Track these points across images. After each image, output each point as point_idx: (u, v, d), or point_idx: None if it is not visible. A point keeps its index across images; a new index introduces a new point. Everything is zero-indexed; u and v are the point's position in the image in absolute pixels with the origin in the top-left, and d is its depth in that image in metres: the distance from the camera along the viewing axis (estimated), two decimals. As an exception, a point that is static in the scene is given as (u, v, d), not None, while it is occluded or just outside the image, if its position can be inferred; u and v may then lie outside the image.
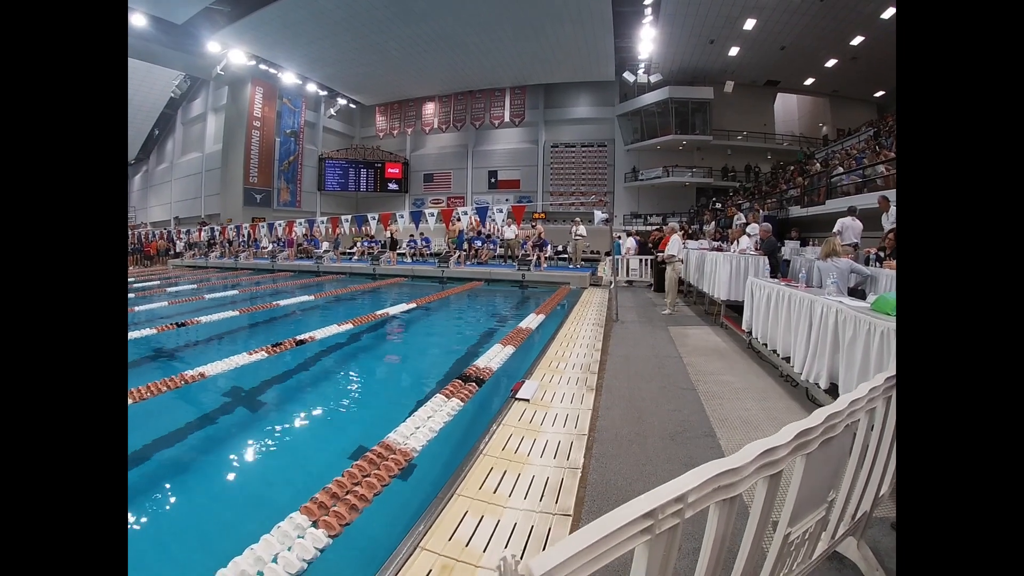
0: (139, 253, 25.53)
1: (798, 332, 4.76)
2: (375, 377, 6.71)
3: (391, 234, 19.10)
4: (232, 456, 4.09)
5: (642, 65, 26.25)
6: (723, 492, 1.17)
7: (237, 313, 9.51)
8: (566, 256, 19.85)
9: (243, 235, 21.45)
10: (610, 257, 12.84)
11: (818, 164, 19.56)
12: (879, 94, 26.70)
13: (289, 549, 2.45)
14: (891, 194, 9.56)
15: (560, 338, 6.99)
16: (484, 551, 2.35)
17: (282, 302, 11.12)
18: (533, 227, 18.32)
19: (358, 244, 21.62)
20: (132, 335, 7.12)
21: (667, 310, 9.70)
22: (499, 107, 31.78)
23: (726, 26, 21.51)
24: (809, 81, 26.82)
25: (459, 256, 17.52)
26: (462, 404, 4.44)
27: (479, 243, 18.32)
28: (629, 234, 18.20)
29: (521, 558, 0.84)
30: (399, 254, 19.79)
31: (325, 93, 32.35)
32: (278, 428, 4.67)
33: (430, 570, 2.22)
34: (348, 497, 2.89)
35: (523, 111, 31.60)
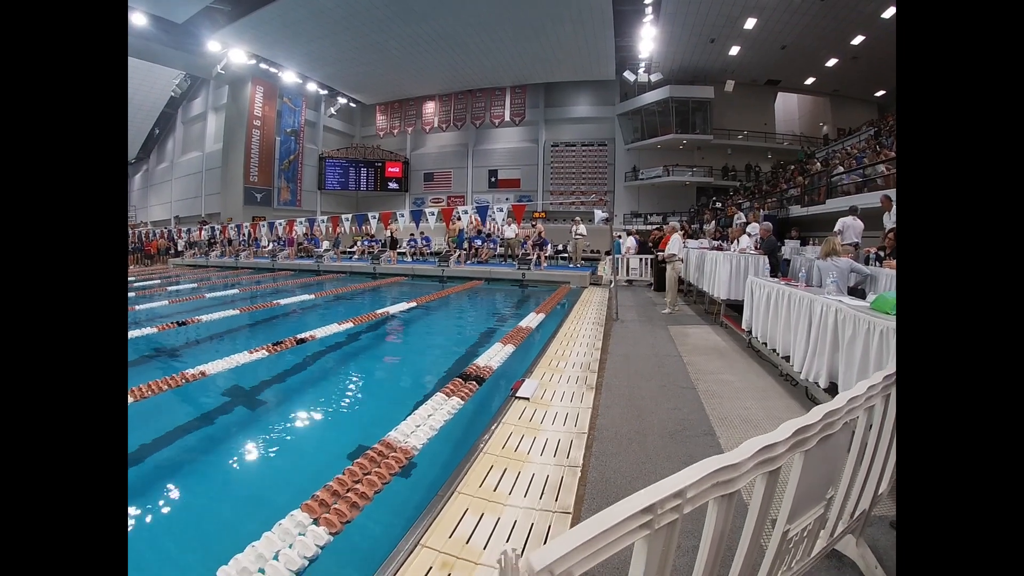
0: (139, 252, 25.54)
1: (798, 331, 4.77)
2: (375, 375, 6.72)
3: (391, 233, 19.10)
4: (233, 454, 4.10)
5: (642, 64, 26.22)
6: (722, 488, 1.18)
7: (237, 312, 9.51)
8: (566, 255, 19.86)
9: (243, 234, 21.45)
10: (610, 256, 12.84)
11: (818, 163, 19.56)
12: (880, 94, 26.69)
13: (290, 546, 2.46)
14: (893, 193, 9.55)
15: (560, 337, 7.00)
16: (484, 548, 2.36)
17: (282, 301, 11.12)
18: (533, 226, 18.32)
19: (358, 243, 21.62)
20: (133, 334, 7.13)
21: (667, 309, 9.70)
22: (499, 106, 31.76)
23: (727, 25, 21.50)
24: (810, 80, 26.81)
25: (459, 255, 17.53)
26: (462, 402, 4.45)
27: (479, 242, 18.33)
28: (629, 233, 18.19)
29: (522, 553, 0.85)
30: (399, 253, 19.79)
31: (325, 92, 32.34)
32: (279, 426, 4.69)
33: (430, 567, 2.22)
34: (349, 495, 2.90)
35: (523, 110, 31.59)
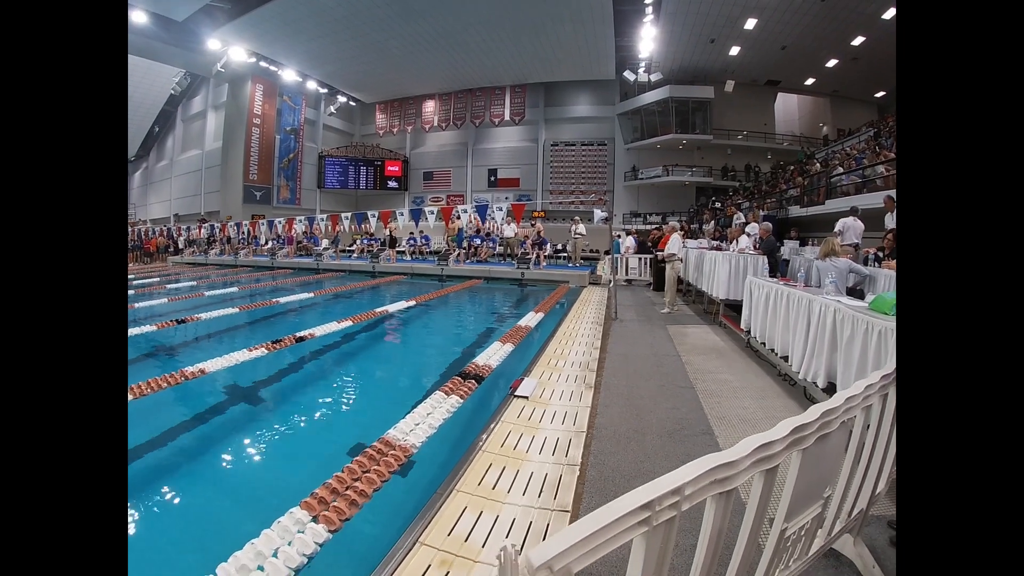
0: (139, 250, 25.53)
1: (796, 331, 4.78)
2: (374, 374, 6.72)
3: (390, 232, 19.09)
4: (232, 451, 4.11)
5: (642, 64, 26.20)
6: (720, 485, 1.18)
7: (237, 310, 9.52)
8: (565, 255, 19.87)
9: (243, 232, 21.42)
10: (609, 256, 12.84)
11: (818, 164, 19.57)
12: (879, 94, 26.70)
13: (289, 544, 2.46)
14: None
15: (559, 336, 7.00)
16: (483, 546, 2.36)
17: (282, 299, 11.13)
18: (532, 225, 18.32)
19: (357, 242, 21.61)
20: (132, 332, 7.13)
21: (666, 309, 9.71)
22: (499, 105, 31.74)
23: (727, 25, 21.50)
24: (810, 81, 26.82)
25: (458, 254, 17.53)
26: (461, 401, 4.46)
27: (478, 241, 18.33)
28: (628, 233, 18.20)
29: (521, 550, 0.86)
30: (399, 252, 19.79)
31: (325, 91, 32.30)
32: (278, 424, 4.69)
33: (429, 565, 2.23)
34: (348, 492, 2.90)
35: (523, 109, 31.57)
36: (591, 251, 21.63)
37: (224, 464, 3.91)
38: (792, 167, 23.15)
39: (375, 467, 3.20)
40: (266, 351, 6.12)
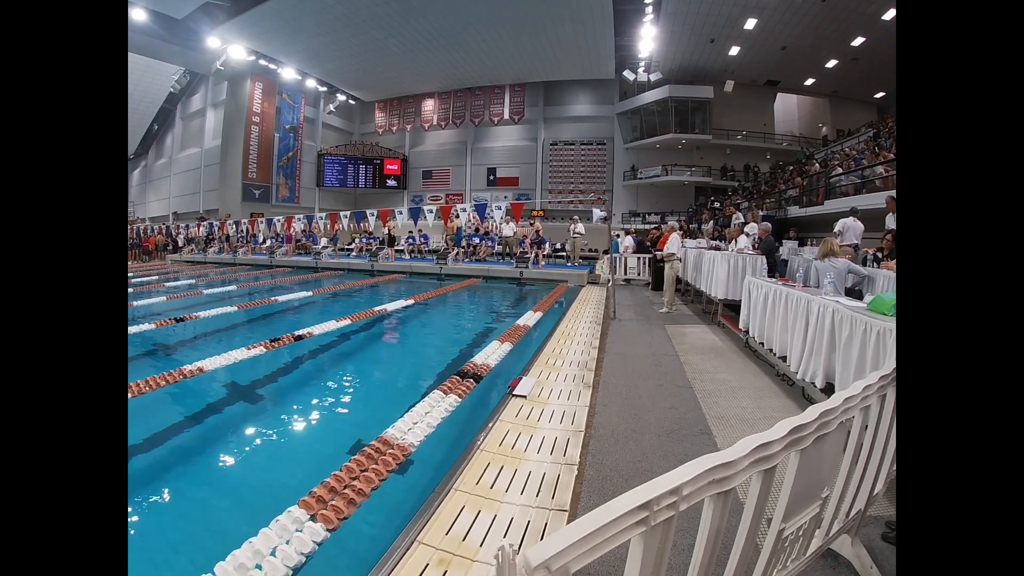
0: (138, 248, 25.50)
1: (795, 331, 4.79)
2: (372, 373, 6.72)
3: (389, 231, 19.09)
4: (230, 450, 4.10)
5: (642, 63, 26.20)
6: (717, 485, 1.18)
7: (235, 309, 9.52)
8: (564, 254, 19.88)
9: (241, 231, 21.40)
10: (608, 255, 12.84)
11: (817, 164, 19.59)
12: (879, 95, 26.73)
13: (287, 543, 2.47)
14: (896, 194, 9.55)
15: (558, 335, 7.00)
16: (481, 545, 2.36)
17: (280, 298, 11.12)
18: (531, 224, 18.32)
19: (356, 240, 21.61)
20: (131, 330, 7.12)
21: (664, 308, 9.72)
22: (499, 104, 31.73)
23: (727, 25, 21.50)
24: (809, 81, 26.83)
25: (457, 253, 17.53)
26: (459, 400, 4.46)
27: (477, 240, 18.32)
28: (627, 232, 18.21)
29: (518, 550, 0.86)
30: (397, 251, 19.79)
31: (324, 89, 32.25)
32: (276, 423, 4.69)
33: (427, 564, 2.23)
34: (346, 491, 2.90)
35: (523, 108, 31.56)
36: (590, 250, 21.65)
37: (222, 463, 3.90)
38: (791, 167, 23.17)
39: (373, 466, 3.20)
40: (264, 350, 6.12)
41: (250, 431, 4.50)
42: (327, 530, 2.58)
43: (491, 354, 5.96)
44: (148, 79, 30.36)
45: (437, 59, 27.41)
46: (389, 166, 34.24)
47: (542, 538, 2.41)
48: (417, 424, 3.87)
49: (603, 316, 8.65)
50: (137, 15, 21.82)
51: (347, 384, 6.00)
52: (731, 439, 3.69)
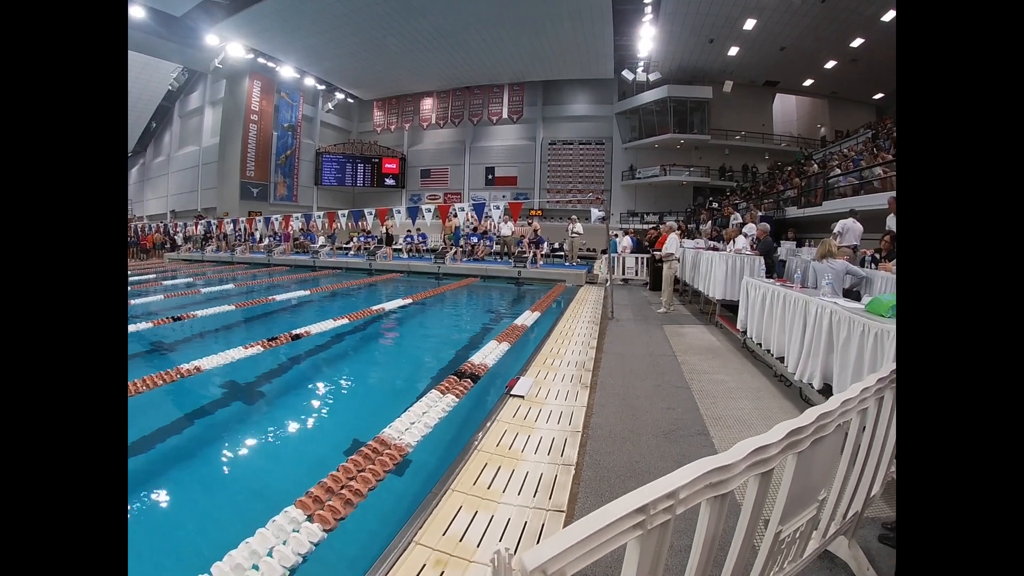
0: (135, 246, 25.45)
1: (792, 332, 4.79)
2: (370, 372, 6.71)
3: (387, 230, 19.07)
4: (227, 450, 4.09)
5: (641, 63, 26.22)
6: (714, 489, 1.18)
7: (233, 307, 9.50)
8: (562, 254, 19.87)
9: (239, 229, 21.38)
10: (606, 255, 12.85)
11: (815, 165, 19.61)
12: (878, 96, 26.79)
13: (284, 543, 2.46)
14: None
15: (555, 335, 7.00)
16: (478, 546, 2.36)
17: (278, 297, 11.10)
18: (529, 224, 18.31)
19: (354, 239, 21.59)
20: (128, 328, 7.10)
21: (662, 308, 9.72)
22: (497, 103, 31.74)
23: (726, 26, 21.51)
24: (808, 82, 26.87)
25: (455, 252, 17.52)
26: (457, 400, 4.46)
27: (475, 239, 18.32)
28: (626, 232, 18.21)
29: (515, 552, 0.85)
30: (395, 250, 19.78)
31: (323, 87, 32.21)
32: (273, 422, 4.68)
33: (424, 564, 2.23)
34: (343, 492, 2.90)
35: (521, 108, 31.58)
36: (588, 250, 21.64)
37: (219, 463, 3.89)
38: (789, 168, 23.19)
39: (370, 466, 3.20)
40: (262, 349, 6.11)
41: (247, 431, 4.49)
42: (324, 531, 2.58)
43: (489, 354, 5.95)
44: (146, 77, 30.30)
45: (436, 58, 27.40)
46: (387, 165, 34.21)
47: (539, 538, 2.41)
48: (414, 424, 3.87)
49: (601, 316, 8.65)
50: (136, 12, 21.75)
51: (344, 384, 5.99)
52: (728, 440, 3.71)
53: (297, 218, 18.97)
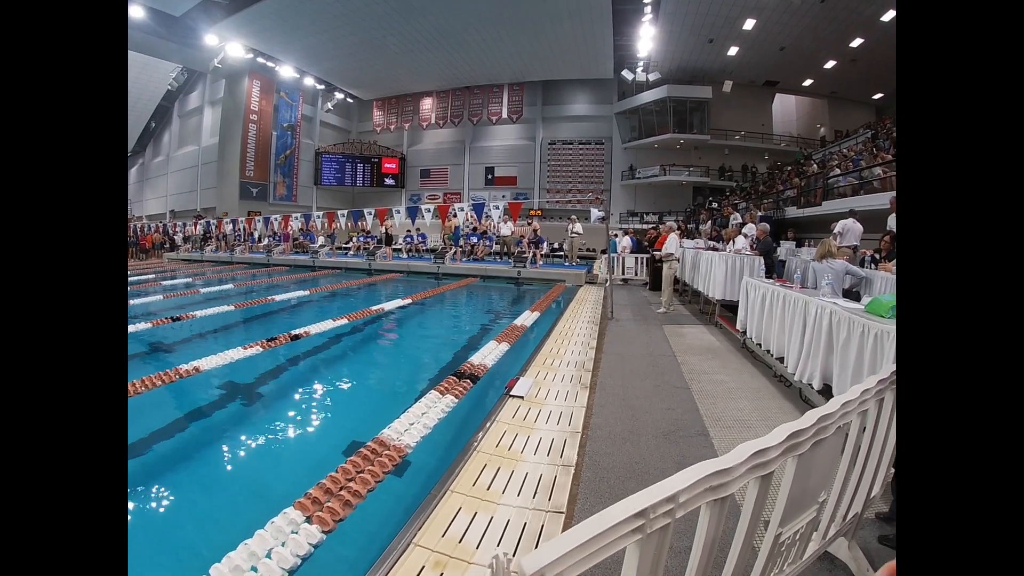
0: (135, 246, 25.42)
1: (792, 333, 4.79)
2: (369, 373, 6.70)
3: (387, 230, 19.05)
4: (226, 451, 4.09)
5: (641, 63, 26.20)
6: (714, 492, 1.18)
7: (232, 308, 9.49)
8: (562, 254, 19.86)
9: (239, 229, 21.36)
10: (606, 255, 12.84)
11: (815, 165, 19.61)
12: (877, 96, 26.80)
13: (283, 544, 2.45)
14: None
15: (555, 336, 7.00)
16: (477, 548, 2.36)
17: (277, 297, 11.08)
18: (529, 224, 18.30)
19: (354, 239, 21.58)
20: (128, 329, 7.09)
21: (662, 309, 9.72)
22: (497, 103, 31.73)
23: (726, 26, 21.51)
24: (808, 82, 26.87)
25: (455, 252, 17.51)
26: (456, 401, 4.45)
27: (475, 239, 18.31)
28: (625, 232, 18.20)
29: (514, 555, 0.85)
30: (395, 250, 19.76)
31: (322, 87, 32.19)
32: (272, 423, 4.67)
33: (423, 566, 2.22)
34: (342, 493, 2.89)
35: (521, 107, 31.57)
36: (588, 250, 21.62)
37: (217, 463, 3.89)
38: (789, 168, 23.20)
39: (369, 467, 3.19)
40: (261, 349, 6.10)
41: (246, 431, 4.49)
42: (323, 532, 2.57)
43: (488, 354, 5.95)
44: (146, 76, 30.28)
45: (435, 58, 27.39)
46: (387, 165, 34.20)
47: (539, 540, 2.41)
48: (413, 425, 3.86)
49: (600, 316, 8.65)
50: (135, 12, 21.72)
51: (343, 384, 5.99)
52: (728, 440, 3.70)
53: (296, 218, 18.96)
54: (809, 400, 4.38)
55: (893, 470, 2.30)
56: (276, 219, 19.23)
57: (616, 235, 16.99)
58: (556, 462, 3.26)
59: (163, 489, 3.40)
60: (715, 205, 23.67)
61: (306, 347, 6.82)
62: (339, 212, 16.78)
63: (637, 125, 28.72)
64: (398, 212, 16.37)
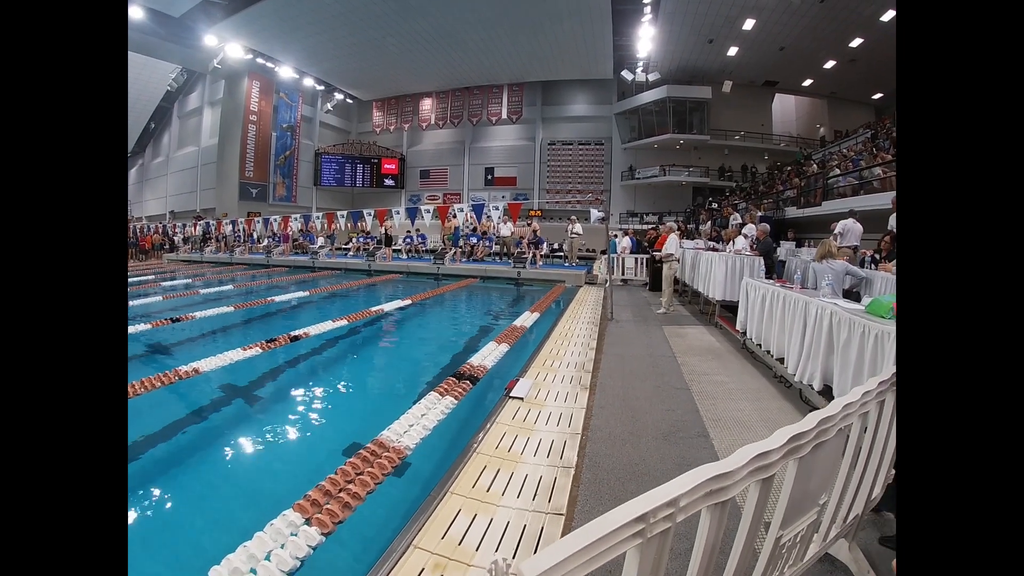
0: (134, 247, 25.42)
1: (792, 333, 4.78)
2: (369, 374, 6.70)
3: (386, 230, 19.05)
4: (225, 452, 4.08)
5: (640, 63, 26.22)
6: (715, 496, 1.17)
7: (231, 308, 9.48)
8: (562, 254, 19.86)
9: (238, 230, 21.35)
10: (606, 256, 12.84)
11: (815, 165, 19.61)
12: (877, 96, 26.81)
13: (282, 547, 2.45)
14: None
15: (555, 336, 6.99)
16: (477, 550, 2.35)
17: (277, 298, 11.08)
18: (528, 224, 18.30)
19: (353, 240, 21.57)
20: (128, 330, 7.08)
21: (662, 309, 9.71)
22: (497, 104, 31.74)
23: (725, 26, 21.51)
24: (807, 82, 26.88)
25: (455, 253, 17.50)
26: (456, 402, 4.44)
27: (475, 240, 18.30)
28: (625, 233, 18.20)
29: (513, 557, 0.84)
30: (395, 250, 19.76)
31: (322, 88, 32.22)
32: (271, 424, 4.66)
33: (423, 568, 2.21)
34: (341, 495, 2.88)
35: (521, 108, 31.58)
36: (587, 251, 21.62)
37: (216, 465, 3.88)
38: (789, 168, 23.20)
39: (368, 469, 3.19)
40: (260, 350, 6.09)
41: (244, 433, 4.48)
42: (322, 534, 2.56)
43: (488, 355, 5.94)
44: (145, 77, 30.28)
45: (435, 58, 27.39)
46: (387, 165, 34.22)
47: (538, 543, 2.40)
48: (413, 427, 3.86)
49: (600, 317, 8.64)
50: (135, 13, 21.73)
51: (343, 386, 5.98)
52: (728, 442, 3.69)
53: (296, 219, 18.95)
54: (809, 401, 4.37)
55: (894, 471, 2.30)
56: (276, 220, 19.22)
57: (616, 236, 16.99)
58: (556, 463, 3.26)
59: (161, 491, 3.40)
60: (715, 205, 23.66)
61: (305, 348, 6.82)
62: (339, 213, 16.78)
63: (637, 125, 28.73)
64: (398, 213, 16.36)
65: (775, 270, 9.07)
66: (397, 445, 3.53)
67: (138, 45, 24.06)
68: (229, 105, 28.79)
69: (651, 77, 26.51)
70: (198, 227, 21.97)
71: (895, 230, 7.23)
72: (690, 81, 26.18)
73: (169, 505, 3.28)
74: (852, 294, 5.48)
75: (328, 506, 2.77)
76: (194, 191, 31.27)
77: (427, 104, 33.10)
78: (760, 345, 5.78)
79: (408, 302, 10.37)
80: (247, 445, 4.25)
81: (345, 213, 16.68)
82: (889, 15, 18.49)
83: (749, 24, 20.95)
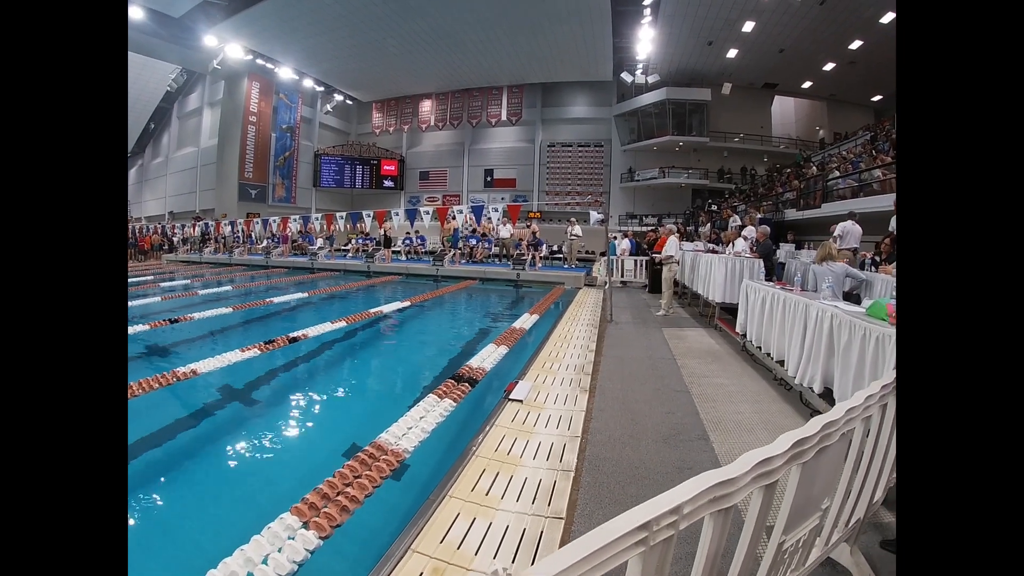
0: (134, 248, 25.41)
1: (792, 336, 4.77)
2: (367, 376, 6.68)
3: (386, 232, 19.04)
4: (222, 455, 4.06)
5: (640, 65, 26.25)
6: (719, 503, 1.16)
7: (230, 310, 9.45)
8: (561, 256, 19.84)
9: (237, 231, 21.34)
10: (605, 257, 12.83)
11: (814, 167, 19.62)
12: (876, 99, 26.84)
13: (279, 551, 2.42)
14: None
15: (554, 339, 6.97)
16: (476, 554, 2.33)
17: (276, 299, 11.05)
18: (528, 226, 18.29)
19: (353, 241, 21.56)
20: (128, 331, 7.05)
21: (661, 311, 9.70)
22: (496, 105, 31.77)
23: (725, 28, 21.54)
24: (807, 84, 26.92)
25: (454, 254, 17.49)
26: (455, 404, 4.42)
27: (474, 242, 18.29)
28: (624, 235, 18.19)
29: (513, 562, 0.83)
30: (394, 252, 19.75)
31: (322, 89, 32.25)
32: (269, 427, 4.65)
33: (421, 573, 2.19)
34: (339, 498, 2.86)
35: (520, 110, 31.61)
36: (587, 252, 21.61)
37: (213, 467, 3.86)
38: (788, 170, 23.21)
39: (367, 472, 3.17)
40: (259, 352, 6.06)
41: (242, 435, 4.46)
42: (320, 538, 2.54)
43: (487, 357, 5.92)
44: (145, 77, 30.29)
45: (435, 60, 27.42)
46: (386, 167, 34.24)
47: (538, 547, 2.38)
48: (411, 429, 3.83)
49: (600, 319, 8.63)
50: (135, 13, 21.75)
51: (341, 388, 5.96)
52: (728, 444, 3.68)
53: (295, 220, 18.94)
54: (810, 404, 4.36)
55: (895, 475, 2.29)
56: (275, 221, 19.21)
57: (615, 237, 16.98)
58: (555, 466, 3.24)
59: (158, 492, 3.38)
60: (714, 207, 23.67)
61: (304, 350, 6.80)
62: (338, 214, 16.77)
63: (636, 127, 28.75)
64: (397, 214, 16.35)
65: (775, 272, 9.06)
66: (395, 448, 3.51)
67: (138, 45, 24.08)
68: (229, 106, 28.80)
69: (651, 79, 26.54)
70: (197, 228, 21.95)
71: (892, 232, 7.23)
72: (689, 83, 26.20)
73: (165, 507, 3.26)
74: (852, 296, 5.47)
75: (326, 509, 2.75)
76: (193, 192, 31.26)
77: (427, 105, 33.12)
78: (760, 347, 5.77)
79: (407, 304, 10.35)
80: (245, 447, 4.23)
81: (344, 214, 16.67)
82: (889, 17, 18.52)
83: (749, 26, 20.98)
